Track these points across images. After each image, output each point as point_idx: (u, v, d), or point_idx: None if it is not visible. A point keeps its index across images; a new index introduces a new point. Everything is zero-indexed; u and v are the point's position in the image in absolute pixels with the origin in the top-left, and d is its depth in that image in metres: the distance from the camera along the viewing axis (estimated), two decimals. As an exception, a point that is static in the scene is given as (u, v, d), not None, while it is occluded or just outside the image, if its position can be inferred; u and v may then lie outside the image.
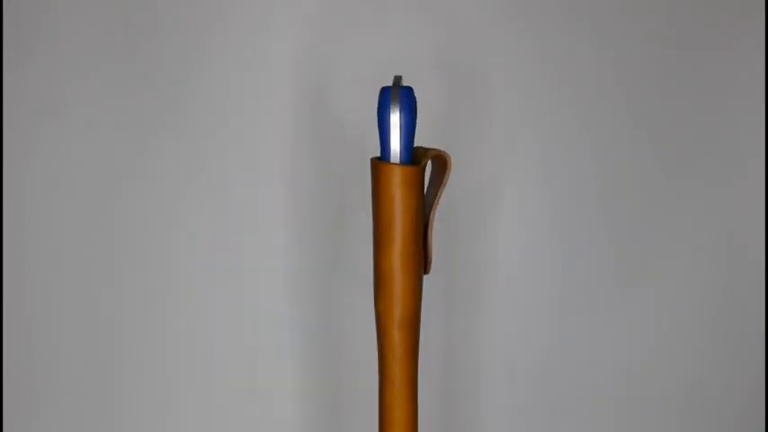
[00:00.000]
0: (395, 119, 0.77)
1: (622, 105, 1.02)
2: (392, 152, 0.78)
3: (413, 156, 0.78)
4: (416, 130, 0.77)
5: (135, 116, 0.99)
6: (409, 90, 0.77)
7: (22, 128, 0.98)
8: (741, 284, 1.05)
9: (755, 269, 1.04)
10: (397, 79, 0.78)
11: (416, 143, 0.79)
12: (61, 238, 1.00)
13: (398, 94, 0.77)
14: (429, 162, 0.78)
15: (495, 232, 1.03)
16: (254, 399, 1.03)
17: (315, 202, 1.01)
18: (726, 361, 1.06)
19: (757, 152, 1.03)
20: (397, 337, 0.81)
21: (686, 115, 1.03)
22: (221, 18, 0.99)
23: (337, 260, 1.02)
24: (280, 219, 1.01)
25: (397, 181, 0.77)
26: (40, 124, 0.98)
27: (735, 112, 1.03)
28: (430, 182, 0.79)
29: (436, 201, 0.79)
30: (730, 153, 1.03)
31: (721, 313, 1.05)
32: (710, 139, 1.03)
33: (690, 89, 1.02)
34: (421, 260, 0.80)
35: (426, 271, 0.80)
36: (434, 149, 0.78)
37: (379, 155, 0.77)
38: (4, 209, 0.99)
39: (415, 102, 0.77)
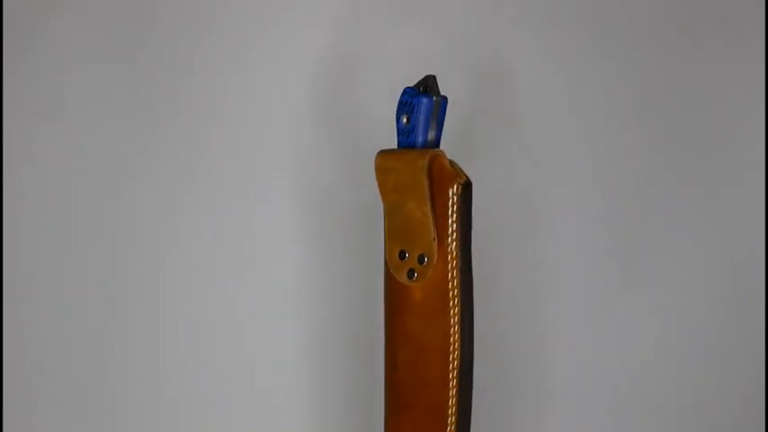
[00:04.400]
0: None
1: (625, 107, 1.02)
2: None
3: None
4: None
5: (136, 116, 0.99)
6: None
7: (21, 128, 0.98)
8: (742, 286, 1.05)
9: (757, 271, 1.04)
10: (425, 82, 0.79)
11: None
12: (61, 239, 1.00)
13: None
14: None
15: (499, 234, 1.03)
16: (254, 401, 1.03)
17: (319, 201, 1.01)
18: (727, 362, 1.06)
19: (758, 154, 1.03)
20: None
21: (688, 117, 1.03)
22: (223, 18, 0.99)
23: (342, 259, 1.02)
24: (283, 219, 1.01)
25: None
26: (39, 124, 0.98)
27: (736, 113, 1.03)
28: None
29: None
30: (731, 155, 1.03)
31: (723, 314, 1.05)
32: (712, 140, 1.03)
33: (691, 92, 1.02)
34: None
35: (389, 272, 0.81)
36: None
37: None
38: (3, 209, 0.99)
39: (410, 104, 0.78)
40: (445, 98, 0.81)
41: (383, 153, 0.81)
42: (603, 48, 1.01)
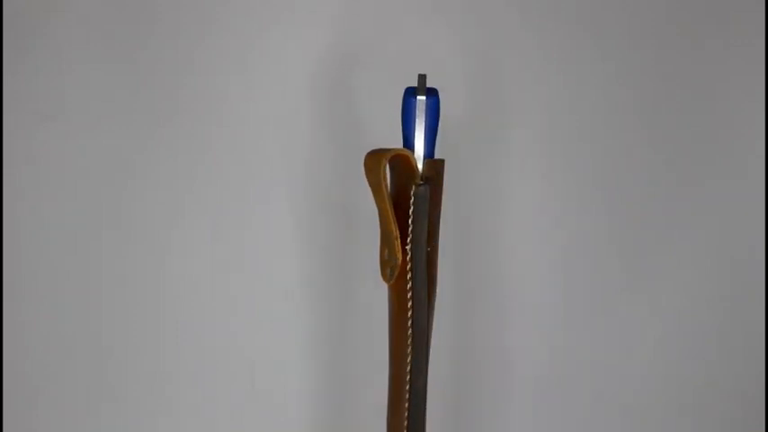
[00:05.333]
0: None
1: (625, 107, 1.02)
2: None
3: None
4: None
5: (136, 116, 0.99)
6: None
7: (21, 128, 0.98)
8: (742, 286, 1.05)
9: (756, 270, 1.04)
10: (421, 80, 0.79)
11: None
12: (61, 239, 1.00)
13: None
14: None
15: (501, 234, 1.03)
16: (254, 401, 1.03)
17: (319, 201, 1.01)
18: (727, 362, 1.06)
19: (758, 154, 1.03)
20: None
21: (688, 117, 1.03)
22: (223, 18, 0.99)
23: (342, 260, 1.02)
24: (283, 219, 1.01)
25: None
26: (39, 124, 0.98)
27: (736, 113, 1.03)
28: None
29: None
30: (731, 155, 1.03)
31: (723, 314, 1.05)
32: (712, 140, 1.03)
33: (691, 91, 1.02)
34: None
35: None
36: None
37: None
38: (4, 209, 0.99)
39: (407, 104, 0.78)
40: (435, 98, 0.80)
41: (368, 153, 0.80)
42: (603, 48, 1.01)
